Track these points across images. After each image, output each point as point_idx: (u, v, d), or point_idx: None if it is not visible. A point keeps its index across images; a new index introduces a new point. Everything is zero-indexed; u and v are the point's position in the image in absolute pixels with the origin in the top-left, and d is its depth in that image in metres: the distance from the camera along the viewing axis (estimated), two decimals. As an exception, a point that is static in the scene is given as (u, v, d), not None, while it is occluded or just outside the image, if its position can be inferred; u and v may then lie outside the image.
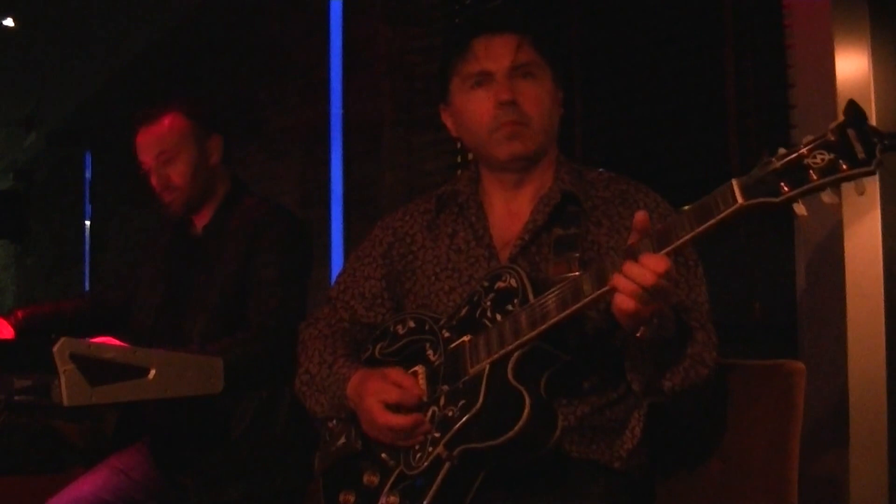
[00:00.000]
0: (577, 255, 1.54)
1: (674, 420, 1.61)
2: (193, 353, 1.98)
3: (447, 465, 1.43)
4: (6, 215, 7.73)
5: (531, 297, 1.45)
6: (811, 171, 1.18)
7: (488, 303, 1.51)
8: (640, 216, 1.34)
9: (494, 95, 1.61)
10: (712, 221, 1.25)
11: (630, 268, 1.29)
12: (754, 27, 2.35)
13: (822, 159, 1.17)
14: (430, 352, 1.57)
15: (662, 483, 1.68)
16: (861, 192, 1.17)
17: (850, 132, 1.16)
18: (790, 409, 1.54)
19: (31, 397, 1.89)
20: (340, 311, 1.80)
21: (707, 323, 1.54)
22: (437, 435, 1.46)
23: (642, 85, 2.64)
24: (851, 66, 2.08)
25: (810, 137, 1.19)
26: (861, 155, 1.15)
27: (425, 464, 1.45)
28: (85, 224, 7.34)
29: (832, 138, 1.17)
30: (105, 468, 2.19)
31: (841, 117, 1.18)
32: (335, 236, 3.75)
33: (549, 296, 1.41)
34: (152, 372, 1.83)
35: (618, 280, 1.30)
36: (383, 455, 1.55)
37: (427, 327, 1.60)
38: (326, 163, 3.85)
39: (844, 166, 1.16)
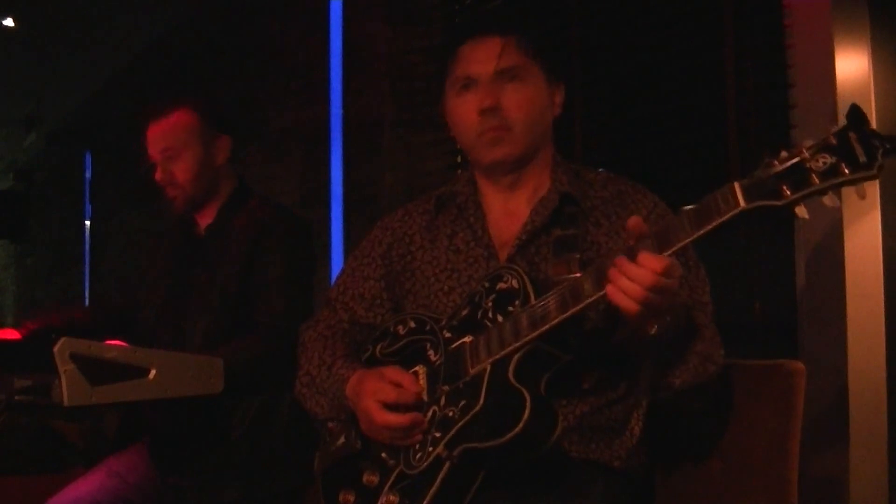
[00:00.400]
0: (577, 255, 1.54)
1: (677, 419, 1.61)
2: (194, 353, 1.98)
3: (447, 464, 1.43)
4: (6, 215, 7.74)
5: (532, 298, 1.45)
6: (813, 175, 1.18)
7: (489, 303, 1.52)
8: (634, 221, 1.34)
9: (477, 101, 1.62)
10: (714, 224, 1.25)
11: (628, 267, 1.29)
12: (754, 27, 2.34)
13: (824, 162, 1.17)
14: (430, 352, 1.58)
15: (663, 483, 1.68)
16: (862, 196, 1.17)
17: (852, 135, 1.16)
18: (790, 409, 1.54)
19: (31, 397, 1.89)
20: (340, 313, 1.81)
21: (712, 323, 1.54)
22: (437, 435, 1.46)
23: (642, 85, 2.64)
24: (851, 66, 2.08)
25: (811, 141, 1.19)
26: (863, 158, 1.15)
27: (425, 463, 1.45)
28: (85, 224, 7.34)
29: (834, 142, 1.17)
30: (101, 471, 2.19)
31: (843, 120, 1.18)
32: (335, 236, 3.75)
33: (550, 297, 1.41)
34: (152, 372, 1.83)
35: (616, 279, 1.30)
36: (383, 455, 1.55)
37: (428, 327, 1.61)
38: (326, 163, 3.85)
39: (846, 170, 1.16)
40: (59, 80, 6.31)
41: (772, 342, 2.25)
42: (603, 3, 2.80)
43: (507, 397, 1.41)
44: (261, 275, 2.21)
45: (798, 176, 1.19)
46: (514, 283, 1.49)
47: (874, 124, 2.03)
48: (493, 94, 1.61)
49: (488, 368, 1.46)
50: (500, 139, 1.62)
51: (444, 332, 1.57)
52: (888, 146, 1.15)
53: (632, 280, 1.28)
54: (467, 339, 1.52)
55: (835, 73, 2.07)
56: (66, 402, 1.73)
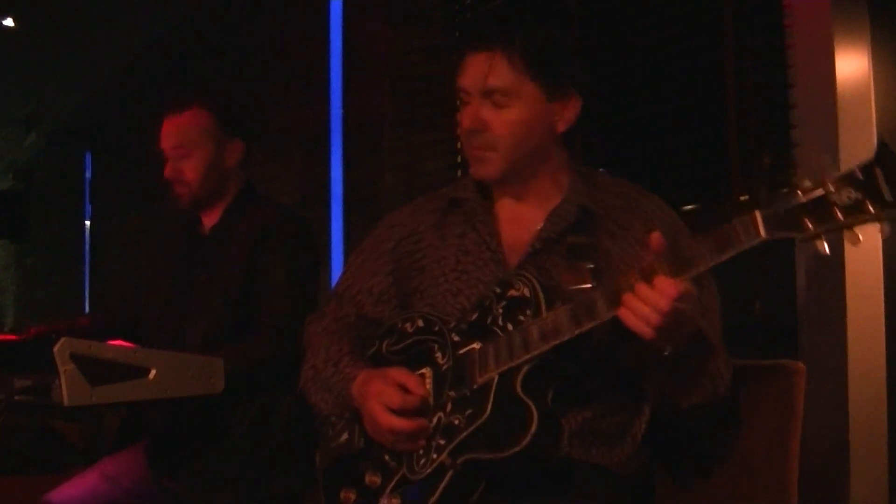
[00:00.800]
0: (590, 265, 1.52)
1: (680, 430, 1.61)
2: (194, 353, 1.98)
3: (450, 473, 1.42)
4: (6, 215, 7.75)
5: (544, 308, 1.44)
6: (836, 209, 1.15)
7: (500, 310, 1.50)
8: (657, 238, 1.33)
9: (464, 119, 1.61)
10: (732, 252, 1.23)
11: (644, 292, 1.28)
12: (754, 27, 2.34)
13: (849, 197, 1.15)
14: (437, 354, 1.56)
15: (663, 483, 1.68)
16: (885, 235, 1.15)
17: (878, 172, 1.14)
18: (790, 409, 1.54)
19: (31, 397, 1.89)
20: (346, 307, 1.78)
21: (722, 343, 1.53)
22: (441, 442, 1.46)
23: (642, 85, 2.64)
24: (851, 66, 2.08)
25: (837, 173, 1.17)
26: (889, 197, 1.13)
27: (428, 470, 1.45)
28: (85, 224, 7.34)
29: (860, 176, 1.15)
30: (95, 472, 2.18)
31: (871, 156, 1.16)
32: (335, 236, 3.75)
33: (561, 310, 1.40)
34: (152, 372, 1.83)
35: (632, 302, 1.29)
36: (386, 457, 1.54)
37: (436, 328, 1.59)
38: (326, 163, 3.85)
39: (871, 208, 1.14)
40: (59, 80, 6.31)
41: (772, 342, 2.25)
42: (603, 3, 2.80)
43: (513, 409, 1.40)
44: (264, 277, 2.20)
45: (821, 209, 1.16)
46: (526, 292, 1.47)
47: (874, 124, 2.04)
48: (479, 114, 1.58)
49: (496, 378, 1.44)
50: (481, 158, 1.60)
51: (453, 335, 1.55)
52: None
53: (647, 305, 1.28)
54: (476, 345, 1.50)
55: (835, 73, 2.07)
56: (66, 402, 1.73)
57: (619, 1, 2.76)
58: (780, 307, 2.23)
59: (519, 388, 1.41)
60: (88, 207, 7.32)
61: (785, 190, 1.20)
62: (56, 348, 1.72)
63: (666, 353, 1.36)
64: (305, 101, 4.07)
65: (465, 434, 1.43)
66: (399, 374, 1.53)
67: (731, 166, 2.34)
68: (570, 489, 1.49)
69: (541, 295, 1.45)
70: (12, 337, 2.31)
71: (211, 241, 2.34)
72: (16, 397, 1.90)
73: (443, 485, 1.42)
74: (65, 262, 7.88)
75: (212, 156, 2.30)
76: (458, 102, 1.65)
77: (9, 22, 5.36)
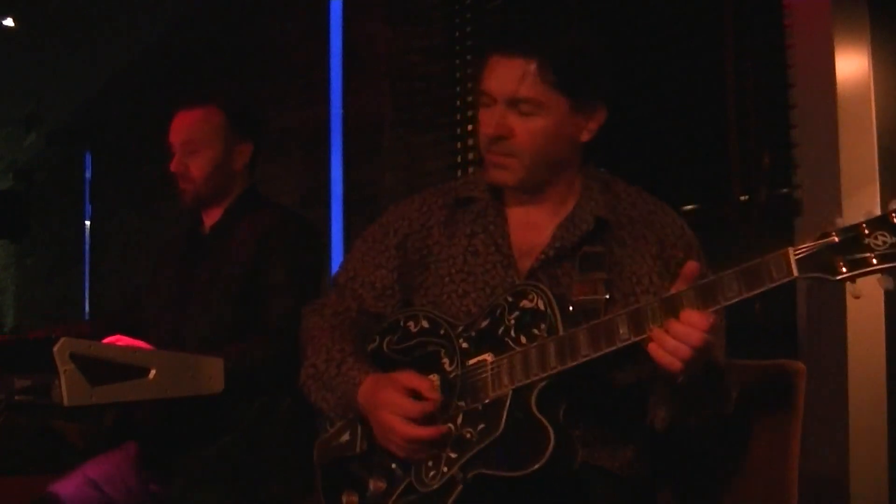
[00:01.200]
0: (604, 276, 1.50)
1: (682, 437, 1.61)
2: (194, 353, 1.98)
3: (460, 487, 1.41)
4: (6, 215, 7.73)
5: (559, 324, 1.42)
6: (871, 255, 1.16)
7: (512, 321, 1.48)
8: (692, 267, 1.33)
9: (487, 124, 1.57)
10: (763, 289, 1.24)
11: (676, 328, 1.28)
12: (754, 27, 2.34)
13: (884, 242, 1.15)
14: (445, 360, 1.53)
15: (663, 484, 1.68)
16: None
17: None
18: (790, 409, 1.54)
19: (31, 397, 1.89)
20: (348, 300, 1.74)
21: (728, 362, 1.52)
22: (452, 455, 1.44)
23: (642, 85, 2.64)
24: (851, 66, 2.08)
25: (872, 217, 1.17)
26: None
27: (438, 483, 1.43)
28: (85, 224, 7.34)
29: (893, 221, 1.15)
30: (78, 476, 2.16)
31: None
32: (335, 236, 3.75)
33: (580, 331, 1.39)
34: (152, 372, 1.83)
35: (662, 339, 1.30)
36: (393, 465, 1.52)
37: (442, 332, 1.56)
38: (326, 163, 3.85)
39: None
40: (59, 80, 6.31)
41: (772, 342, 2.25)
42: (603, 3, 2.80)
43: (528, 427, 1.39)
44: (266, 277, 2.19)
45: (855, 253, 1.17)
46: (540, 305, 1.45)
47: (874, 124, 2.04)
48: (504, 122, 1.55)
49: (510, 395, 1.42)
50: (501, 165, 1.58)
51: (461, 341, 1.53)
52: None
53: (679, 339, 1.28)
54: (487, 356, 1.48)
55: (835, 73, 2.07)
56: (66, 402, 1.73)
57: (618, 1, 2.75)
58: (780, 307, 2.23)
59: (534, 407, 1.40)
60: (88, 207, 7.32)
61: (822, 232, 1.20)
62: (56, 348, 1.72)
63: (679, 381, 1.35)
64: (305, 101, 4.07)
65: (477, 449, 1.41)
66: (409, 378, 1.50)
67: (731, 166, 2.34)
68: (572, 491, 1.49)
69: (556, 309, 1.44)
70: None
71: (211, 239, 2.34)
72: (16, 397, 1.90)
73: (452, 498, 1.41)
74: (65, 262, 7.88)
75: (220, 156, 2.30)
76: (477, 103, 1.62)
77: (9, 22, 5.36)
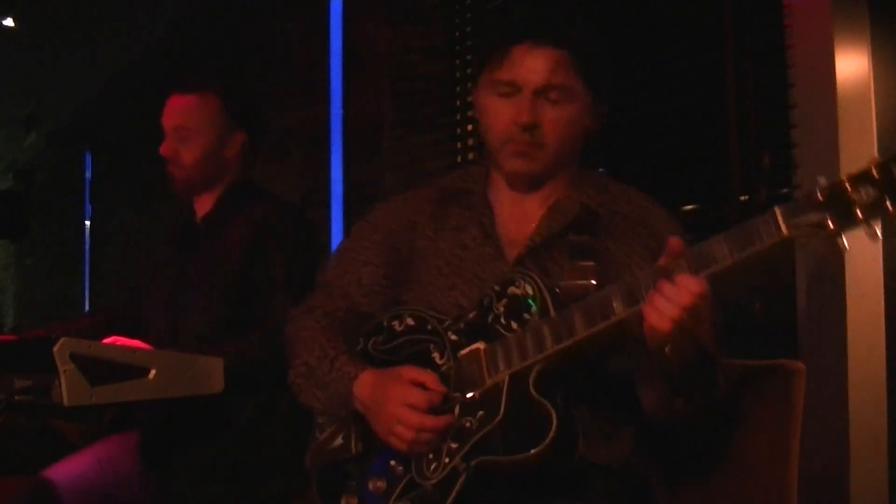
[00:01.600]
0: (593, 264, 1.51)
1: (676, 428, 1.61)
2: (194, 353, 1.98)
3: (463, 477, 1.40)
4: (6, 215, 7.73)
5: (550, 306, 1.43)
6: (856, 208, 1.17)
7: (501, 308, 1.48)
8: (675, 241, 1.33)
9: (515, 112, 1.56)
10: (753, 250, 1.25)
11: (667, 287, 1.28)
12: (754, 27, 2.34)
13: (867, 196, 1.16)
14: (435, 355, 1.53)
15: (662, 483, 1.68)
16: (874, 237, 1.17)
17: (894, 168, 1.16)
18: (790, 409, 1.54)
19: (31, 397, 1.89)
20: (337, 299, 1.74)
21: (718, 335, 1.52)
22: (453, 446, 1.43)
23: (642, 85, 2.64)
24: (851, 66, 2.08)
25: (853, 172, 1.18)
26: None
27: (441, 475, 1.42)
28: (85, 224, 7.35)
29: (876, 175, 1.16)
30: (89, 454, 2.17)
31: (878, 156, 1.18)
32: (335, 236, 3.75)
33: (574, 310, 1.39)
34: (152, 372, 1.83)
35: (654, 299, 1.29)
36: (392, 462, 1.51)
37: (429, 327, 1.56)
38: (326, 163, 3.85)
39: (890, 206, 1.15)
40: (59, 80, 6.31)
41: (772, 342, 2.25)
42: (603, 3, 2.80)
43: (529, 410, 1.38)
44: (263, 273, 2.18)
45: (841, 207, 1.18)
46: (529, 290, 1.46)
47: (874, 124, 2.04)
48: (535, 110, 1.56)
49: (507, 379, 1.43)
50: (527, 154, 1.58)
51: (450, 334, 1.53)
52: None
53: (669, 300, 1.28)
54: (479, 345, 1.48)
55: (835, 73, 2.06)
56: (66, 402, 1.73)
57: (619, 1, 2.75)
58: (780, 307, 2.23)
59: (533, 390, 1.40)
60: (88, 207, 7.32)
61: (805, 190, 1.23)
62: (56, 348, 1.72)
63: (666, 351, 1.35)
64: (305, 101, 4.07)
65: (478, 436, 1.41)
66: (412, 372, 1.51)
67: (731, 166, 2.33)
68: (571, 486, 1.49)
69: (545, 292, 1.44)
70: (12, 337, 2.31)
71: (204, 231, 2.32)
72: (16, 397, 1.90)
73: (456, 489, 1.40)
74: (65, 262, 7.89)
75: (212, 143, 2.28)
76: (490, 93, 1.62)
77: (9, 22, 5.36)
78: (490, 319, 1.49)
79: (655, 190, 1.69)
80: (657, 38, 2.61)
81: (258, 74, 4.45)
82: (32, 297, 9.15)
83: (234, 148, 2.31)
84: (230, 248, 2.23)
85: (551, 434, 1.34)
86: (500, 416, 1.41)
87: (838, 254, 1.23)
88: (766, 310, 2.30)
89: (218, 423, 2.10)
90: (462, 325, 1.53)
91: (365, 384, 1.55)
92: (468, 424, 1.44)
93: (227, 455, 2.10)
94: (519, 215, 1.64)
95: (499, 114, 1.60)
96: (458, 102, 3.31)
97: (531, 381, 1.40)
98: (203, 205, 2.34)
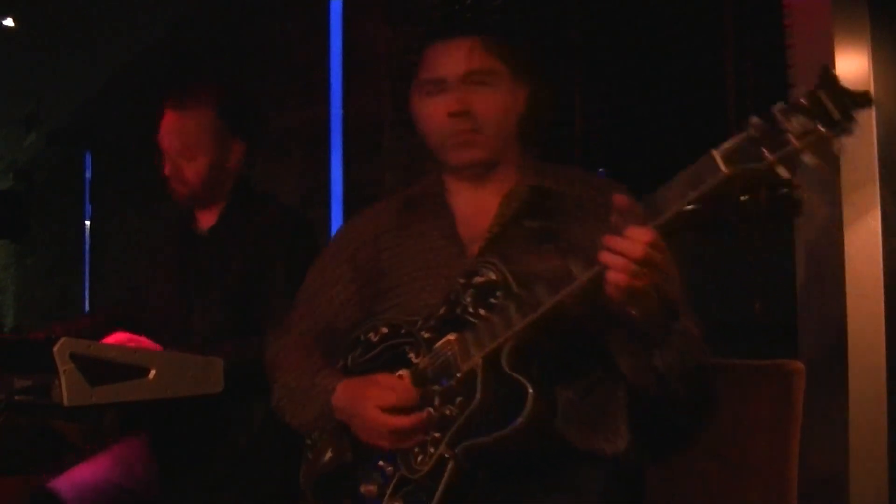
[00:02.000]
0: (552, 246, 1.54)
1: (671, 414, 1.61)
2: (194, 353, 1.98)
3: (451, 464, 1.42)
4: (6, 215, 7.73)
5: (514, 287, 1.44)
6: (790, 136, 1.20)
7: (468, 299, 1.50)
8: (621, 198, 1.35)
9: (446, 105, 1.62)
10: (697, 193, 1.26)
11: (616, 241, 1.30)
12: (754, 27, 2.35)
13: (799, 124, 1.19)
14: (412, 355, 1.56)
15: (661, 483, 1.68)
16: (839, 152, 1.19)
17: (823, 95, 1.18)
18: (790, 409, 1.54)
19: (31, 397, 1.89)
20: (309, 319, 1.78)
21: (689, 308, 1.53)
22: (437, 435, 1.45)
23: (642, 85, 2.64)
24: (851, 66, 2.08)
25: (782, 104, 1.21)
26: (836, 116, 1.17)
27: (428, 466, 1.44)
28: (85, 224, 7.35)
29: (805, 103, 1.19)
30: (107, 456, 2.17)
31: (815, 83, 1.20)
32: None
33: (537, 284, 1.41)
34: (152, 372, 1.83)
35: (606, 256, 1.30)
36: (380, 463, 1.53)
37: (403, 331, 1.59)
38: (326, 163, 3.85)
39: (821, 128, 1.18)
40: (59, 80, 6.31)
41: (772, 342, 2.25)
42: (603, 3, 2.80)
43: (505, 388, 1.40)
44: (266, 277, 2.18)
45: (775, 139, 1.21)
46: (493, 276, 1.48)
47: (874, 124, 2.04)
48: (463, 97, 1.61)
49: (480, 363, 1.44)
50: (469, 141, 1.63)
51: (423, 332, 1.55)
52: (859, 100, 1.18)
53: (621, 253, 1.29)
54: (452, 336, 1.50)
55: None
56: (66, 402, 1.73)
57: (619, 1, 2.76)
58: (780, 307, 2.23)
59: (506, 367, 1.41)
60: (88, 207, 7.32)
61: (739, 131, 1.24)
62: (56, 348, 1.72)
63: (633, 315, 1.36)
64: (305, 101, 4.07)
65: (460, 421, 1.43)
66: (384, 378, 1.54)
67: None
68: (565, 481, 1.49)
69: (508, 274, 1.46)
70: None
71: (211, 240, 2.32)
72: (16, 397, 1.90)
73: (445, 477, 1.42)
74: (65, 262, 7.89)
75: (214, 158, 2.26)
76: (419, 96, 1.68)
77: (9, 22, 5.36)
78: (459, 311, 1.51)
79: (655, 190, 1.69)
80: (657, 38, 2.61)
81: (258, 74, 4.45)
82: (32, 297, 9.16)
83: (234, 159, 2.31)
84: (239, 255, 2.23)
85: (528, 404, 1.36)
86: (477, 399, 1.42)
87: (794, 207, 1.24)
88: (766, 310, 2.31)
89: (225, 425, 2.10)
90: (433, 322, 1.55)
91: (342, 394, 1.58)
92: (449, 412, 1.46)
93: (240, 457, 2.10)
94: (478, 212, 1.67)
95: (431, 113, 1.66)
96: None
97: (504, 360, 1.42)
98: (208, 215, 2.34)
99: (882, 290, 2.04)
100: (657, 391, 1.49)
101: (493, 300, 1.46)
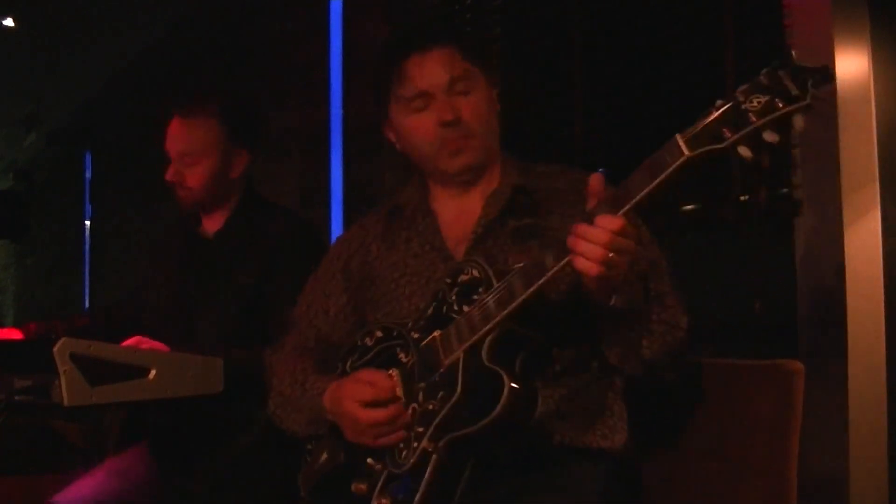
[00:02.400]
0: (536, 243, 1.55)
1: (658, 396, 1.61)
2: (193, 353, 1.98)
3: (434, 457, 1.43)
4: (6, 215, 7.74)
5: (494, 282, 1.46)
6: (750, 114, 1.22)
7: (453, 297, 1.52)
8: (595, 179, 1.36)
9: (437, 116, 1.62)
10: (662, 176, 1.28)
11: (585, 230, 1.31)
12: (754, 27, 2.34)
13: (759, 102, 1.21)
14: (401, 355, 1.58)
15: (661, 483, 1.68)
16: (800, 128, 1.21)
17: (782, 73, 1.21)
18: (789, 409, 1.54)
19: (31, 397, 1.89)
20: (305, 331, 1.81)
21: (670, 284, 1.55)
22: (420, 430, 1.46)
23: (643, 84, 2.64)
24: (851, 66, 2.08)
25: (743, 86, 1.23)
26: (795, 91, 1.19)
27: (412, 460, 1.45)
28: (85, 224, 7.35)
29: (765, 82, 1.21)
30: (103, 471, 2.18)
31: (773, 63, 1.22)
32: (335, 237, 3.74)
33: (513, 276, 1.42)
34: (152, 372, 1.83)
35: (575, 243, 1.31)
36: (369, 460, 1.54)
37: (395, 333, 1.61)
38: (326, 163, 3.85)
39: (780, 104, 1.20)
40: (59, 80, 6.31)
41: (772, 342, 2.25)
42: (603, 3, 2.80)
43: (484, 380, 1.41)
44: (274, 285, 2.19)
45: (736, 118, 1.23)
46: (476, 273, 1.50)
47: (874, 124, 2.04)
48: (452, 105, 1.62)
49: (462, 356, 1.46)
50: (463, 148, 1.64)
51: (413, 333, 1.57)
52: (817, 76, 1.19)
53: (589, 241, 1.30)
54: (436, 333, 1.52)
55: (835, 73, 2.06)
56: (65, 402, 1.73)
57: (619, 1, 2.76)
58: (780, 307, 2.23)
59: (486, 360, 1.43)
60: (88, 207, 7.32)
61: (701, 114, 1.27)
62: (56, 348, 1.72)
63: (612, 304, 1.38)
64: (305, 102, 4.07)
65: (441, 415, 1.44)
66: (366, 373, 1.56)
67: (731, 166, 2.34)
68: (561, 479, 1.50)
69: (490, 272, 1.47)
70: (14, 330, 2.30)
71: (217, 247, 2.31)
72: (16, 397, 1.90)
73: (429, 471, 1.42)
74: (65, 262, 7.89)
75: (218, 166, 2.27)
76: (404, 113, 1.67)
77: (9, 22, 5.36)
78: (445, 310, 1.53)
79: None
80: (657, 38, 2.61)
81: (258, 74, 4.45)
82: (32, 297, 9.16)
83: (238, 168, 2.31)
84: (249, 263, 2.23)
85: (504, 395, 1.36)
86: (458, 392, 1.44)
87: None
88: (766, 310, 2.31)
89: (231, 429, 2.10)
90: (422, 322, 1.57)
91: (330, 395, 1.60)
92: (431, 407, 1.47)
93: (241, 464, 2.10)
94: (461, 214, 1.69)
95: (421, 126, 1.65)
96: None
97: (484, 353, 1.43)
98: (212, 222, 2.34)
99: (882, 290, 2.04)
100: (646, 378, 1.51)
101: (475, 296, 1.48)
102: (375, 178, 3.63)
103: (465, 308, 1.49)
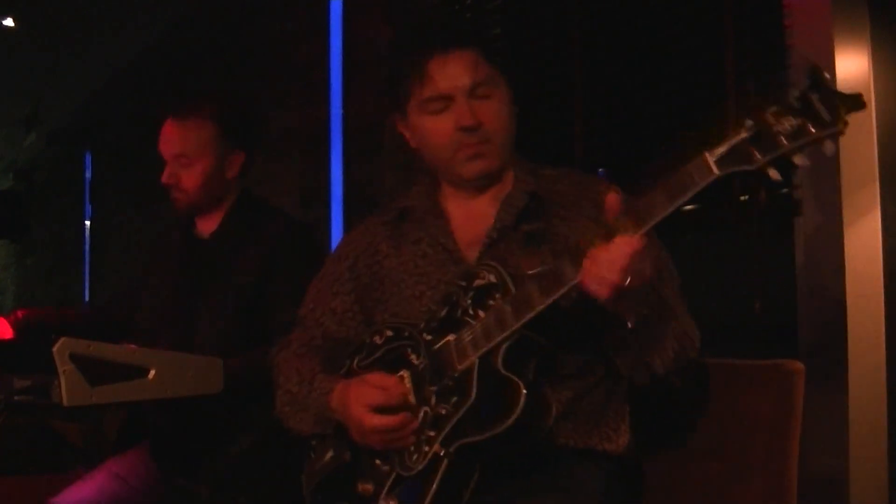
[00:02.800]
0: (548, 248, 1.55)
1: (658, 396, 1.61)
2: (193, 353, 1.98)
3: (445, 462, 1.43)
4: (6, 215, 7.73)
5: (512, 289, 1.46)
6: (781, 137, 1.20)
7: (468, 301, 1.51)
8: (613, 197, 1.35)
9: (456, 119, 1.60)
10: (688, 196, 1.27)
11: (600, 252, 1.31)
12: (754, 27, 2.34)
13: (790, 125, 1.20)
14: (412, 356, 1.57)
15: (661, 483, 1.68)
16: (830, 153, 1.21)
17: (813, 97, 1.19)
18: (790, 409, 1.54)
19: (31, 397, 1.89)
20: (311, 329, 1.80)
21: (682, 299, 1.55)
22: (431, 434, 1.46)
23: (642, 85, 2.64)
24: (851, 66, 2.08)
25: (774, 107, 1.22)
26: (827, 117, 1.18)
27: (422, 464, 1.45)
28: (85, 224, 7.35)
29: (796, 105, 1.20)
30: (102, 472, 2.18)
31: (805, 84, 1.21)
32: (335, 236, 3.75)
33: (530, 284, 1.42)
34: (152, 372, 1.83)
35: (591, 268, 1.31)
36: (377, 461, 1.54)
37: (406, 333, 1.60)
38: (326, 163, 3.85)
39: (812, 129, 1.19)
40: (59, 80, 6.31)
41: (772, 342, 2.25)
42: (603, 3, 2.80)
43: (499, 387, 1.41)
44: (273, 287, 2.19)
45: (766, 140, 1.21)
46: (492, 278, 1.49)
47: (874, 124, 2.04)
48: (472, 110, 1.60)
49: (476, 362, 1.45)
50: (481, 153, 1.62)
51: (424, 335, 1.56)
52: (849, 103, 1.18)
53: (604, 265, 1.30)
54: (450, 337, 1.51)
55: (835, 73, 2.06)
56: (65, 402, 1.73)
57: (619, 1, 2.76)
58: (780, 307, 2.23)
59: (501, 367, 1.42)
60: (88, 207, 7.32)
61: (730, 132, 1.25)
62: (56, 348, 1.72)
63: (630, 326, 1.38)
64: (305, 102, 4.07)
65: (454, 420, 1.44)
66: (376, 377, 1.55)
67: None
68: (565, 481, 1.50)
69: (507, 277, 1.47)
70: (2, 320, 2.29)
71: (213, 247, 2.31)
72: (16, 397, 1.90)
73: (439, 475, 1.43)
74: (65, 262, 7.89)
75: (213, 168, 2.28)
76: (424, 115, 1.65)
77: (9, 22, 5.36)
78: (459, 313, 1.52)
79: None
80: (657, 38, 2.61)
81: (258, 74, 4.45)
82: (32, 297, 9.15)
83: (234, 169, 2.31)
84: (246, 265, 2.22)
85: (520, 404, 1.36)
86: (471, 398, 1.43)
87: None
88: (766, 310, 2.31)
89: (232, 430, 2.10)
90: (434, 324, 1.56)
91: (337, 395, 1.59)
92: (443, 411, 1.47)
93: (243, 464, 2.10)
94: (473, 217, 1.68)
95: (439, 129, 1.63)
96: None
97: (499, 360, 1.43)
98: (208, 222, 2.34)
99: (882, 290, 2.04)
100: (654, 386, 1.50)
101: (491, 302, 1.47)
102: (375, 178, 3.62)
103: (480, 313, 1.48)
